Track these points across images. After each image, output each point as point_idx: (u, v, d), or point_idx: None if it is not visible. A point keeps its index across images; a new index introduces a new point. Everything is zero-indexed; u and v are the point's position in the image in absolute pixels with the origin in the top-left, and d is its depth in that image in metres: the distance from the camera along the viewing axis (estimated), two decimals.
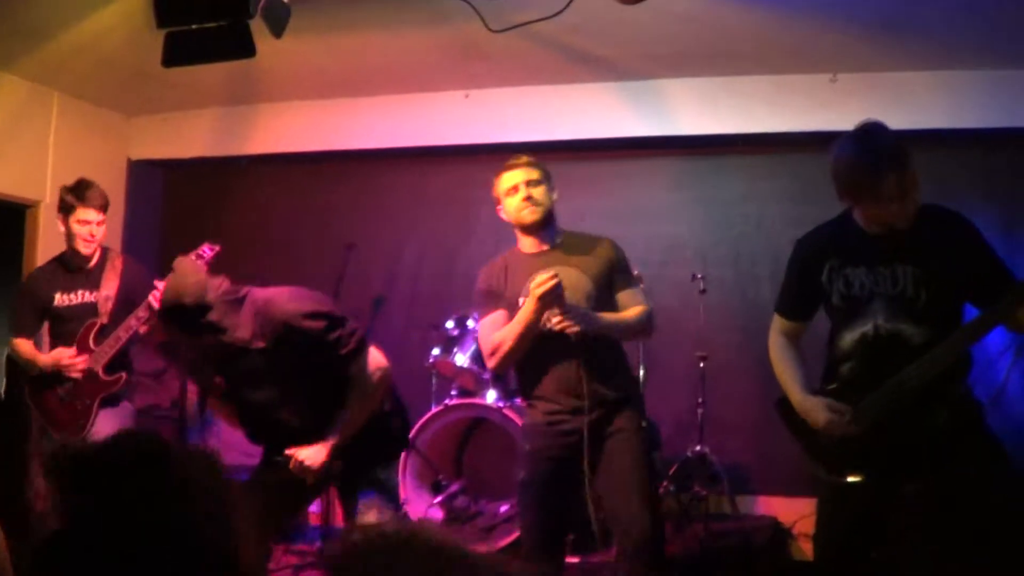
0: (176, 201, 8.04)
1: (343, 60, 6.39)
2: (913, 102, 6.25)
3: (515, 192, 4.25)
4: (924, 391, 3.39)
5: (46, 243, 5.94)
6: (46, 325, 5.23)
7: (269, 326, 3.78)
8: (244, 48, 4.56)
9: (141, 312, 4.77)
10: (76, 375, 4.95)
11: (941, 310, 3.46)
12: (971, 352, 3.55)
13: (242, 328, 3.79)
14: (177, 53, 4.70)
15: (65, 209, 5.06)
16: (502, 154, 7.11)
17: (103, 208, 5.10)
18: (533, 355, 4.10)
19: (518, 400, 5.88)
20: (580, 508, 4.15)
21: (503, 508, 5.74)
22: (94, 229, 5.07)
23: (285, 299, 3.86)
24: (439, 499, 5.77)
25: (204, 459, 1.88)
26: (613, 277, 4.20)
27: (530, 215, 4.22)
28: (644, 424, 4.20)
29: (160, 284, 4.22)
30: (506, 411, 5.62)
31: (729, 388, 6.43)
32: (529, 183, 4.25)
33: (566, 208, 7.06)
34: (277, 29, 4.72)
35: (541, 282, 3.89)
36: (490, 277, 4.27)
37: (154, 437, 1.87)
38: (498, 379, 5.90)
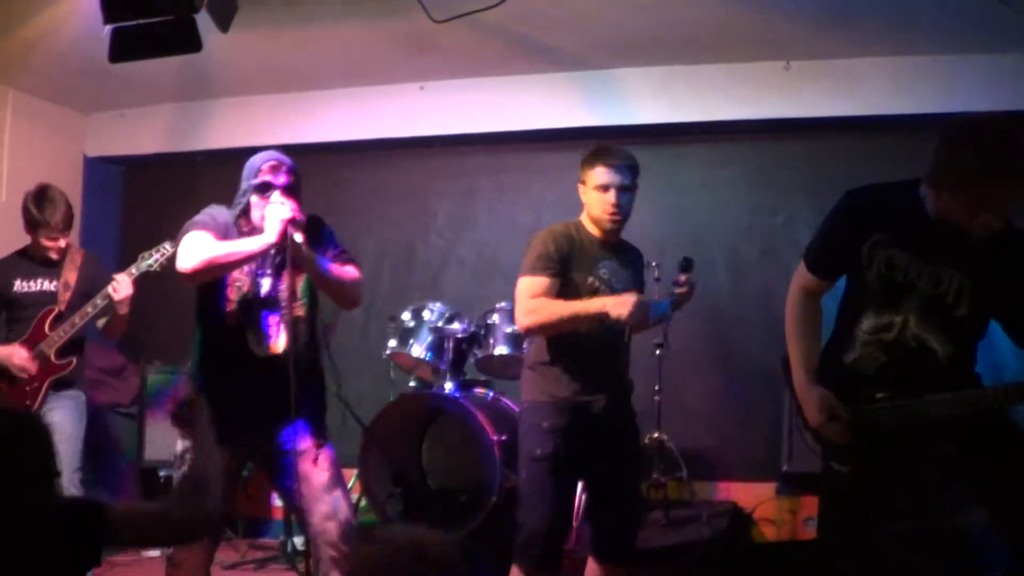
0: (135, 197, 8.02)
1: (296, 54, 6.39)
2: (865, 88, 6.30)
3: (604, 192, 4.05)
4: (937, 424, 3.20)
5: (1, 241, 5.88)
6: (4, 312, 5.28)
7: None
8: (190, 43, 4.56)
9: (98, 300, 5.02)
10: (22, 375, 5.02)
11: (973, 329, 3.30)
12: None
13: None
14: (124, 49, 4.70)
15: (33, 225, 5.13)
16: (458, 146, 7.21)
17: (69, 225, 5.21)
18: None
19: (477, 389, 5.92)
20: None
21: (462, 498, 5.76)
22: (60, 244, 5.19)
23: None
24: (399, 489, 5.77)
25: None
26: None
27: (611, 224, 4.10)
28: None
29: (118, 276, 4.90)
30: (463, 401, 5.63)
31: (686, 375, 6.46)
32: (622, 189, 4.07)
33: (524, 198, 7.14)
34: (223, 24, 4.73)
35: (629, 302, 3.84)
36: (556, 240, 4.03)
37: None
38: (455, 369, 5.92)
